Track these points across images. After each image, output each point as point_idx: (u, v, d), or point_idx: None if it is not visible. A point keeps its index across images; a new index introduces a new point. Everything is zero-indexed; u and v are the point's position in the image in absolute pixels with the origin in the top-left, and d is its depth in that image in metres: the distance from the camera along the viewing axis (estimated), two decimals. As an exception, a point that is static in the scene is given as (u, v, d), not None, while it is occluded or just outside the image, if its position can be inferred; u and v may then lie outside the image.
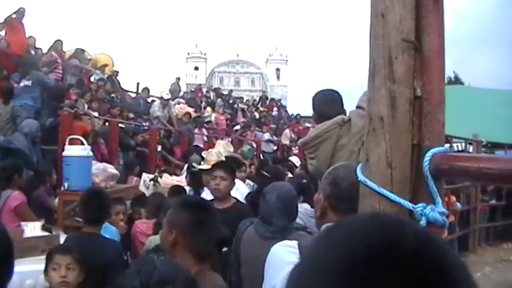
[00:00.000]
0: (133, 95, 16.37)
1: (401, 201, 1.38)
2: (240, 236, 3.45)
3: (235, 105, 22.64)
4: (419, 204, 1.35)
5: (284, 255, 1.90)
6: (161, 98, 13.87)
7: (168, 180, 6.92)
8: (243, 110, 22.46)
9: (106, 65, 15.57)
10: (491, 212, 13.06)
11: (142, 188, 6.87)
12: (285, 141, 19.12)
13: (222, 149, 5.89)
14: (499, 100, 16.34)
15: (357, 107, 3.21)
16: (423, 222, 1.33)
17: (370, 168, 1.45)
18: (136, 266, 1.89)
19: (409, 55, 1.41)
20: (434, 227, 1.34)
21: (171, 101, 14.36)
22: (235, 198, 4.54)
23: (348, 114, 3.34)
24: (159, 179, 7.07)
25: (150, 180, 7.02)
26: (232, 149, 6.63)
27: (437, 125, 1.41)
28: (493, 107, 15.28)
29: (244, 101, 27.16)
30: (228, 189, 4.40)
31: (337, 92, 3.68)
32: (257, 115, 23.11)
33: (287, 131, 20.12)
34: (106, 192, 4.42)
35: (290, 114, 28.45)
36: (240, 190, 5.30)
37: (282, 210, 3.28)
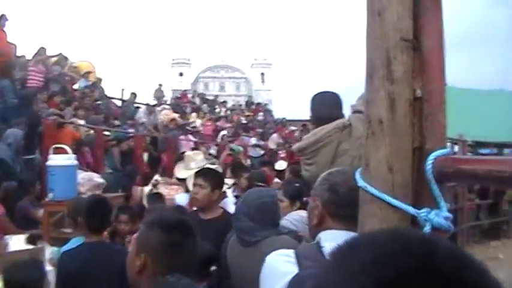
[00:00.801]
0: (119, 102, 16.28)
1: (405, 206, 1.32)
2: (225, 246, 3.39)
3: (221, 111, 22.61)
4: (423, 210, 1.30)
5: (281, 266, 1.83)
6: (147, 104, 13.80)
7: (168, 190, 6.72)
8: (228, 115, 22.43)
9: (90, 72, 15.46)
10: (477, 211, 13.18)
11: (144, 201, 6.66)
12: (272, 145, 19.07)
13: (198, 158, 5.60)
14: (482, 99, 16.48)
15: (355, 111, 3.14)
16: (428, 227, 1.28)
17: (371, 173, 1.39)
18: None
19: (408, 55, 1.36)
20: (440, 232, 1.29)
21: (157, 108, 14.31)
22: (223, 209, 4.25)
23: (346, 118, 3.24)
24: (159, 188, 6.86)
25: (150, 190, 6.83)
26: (201, 157, 6.21)
27: (438, 126, 1.35)
28: (477, 106, 15.39)
29: (230, 105, 27.13)
30: (208, 198, 4.04)
31: (336, 94, 3.54)
32: (243, 120, 23.06)
33: (275, 135, 20.07)
34: (109, 200, 4.33)
35: (276, 118, 28.45)
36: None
37: (261, 218, 3.19)
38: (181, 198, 5.59)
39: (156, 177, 7.24)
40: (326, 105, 3.40)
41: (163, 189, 6.67)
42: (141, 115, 13.66)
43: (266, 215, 3.25)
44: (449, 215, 1.30)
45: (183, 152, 10.73)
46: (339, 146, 3.08)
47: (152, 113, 13.87)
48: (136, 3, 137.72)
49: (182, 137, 14.05)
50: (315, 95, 3.53)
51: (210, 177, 4.11)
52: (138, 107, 14.91)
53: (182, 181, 5.74)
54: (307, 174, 3.23)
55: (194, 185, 4.18)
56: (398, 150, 1.36)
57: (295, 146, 3.42)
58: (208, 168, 4.97)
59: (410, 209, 1.32)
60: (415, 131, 1.37)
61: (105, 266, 3.43)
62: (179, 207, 4.53)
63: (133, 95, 15.54)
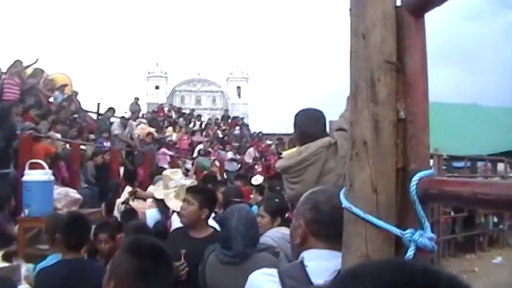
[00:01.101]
0: (95, 116, 16.14)
1: (389, 227, 1.33)
2: (204, 264, 3.36)
3: (197, 125, 22.56)
4: (408, 230, 1.31)
5: (265, 285, 1.82)
6: (122, 117, 13.72)
7: (140, 204, 6.66)
8: (204, 129, 22.39)
9: (66, 85, 15.30)
10: (453, 224, 13.29)
11: (115, 212, 6.63)
12: (249, 160, 19.09)
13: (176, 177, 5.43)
14: (457, 114, 16.73)
15: (339, 129, 3.14)
16: (412, 248, 1.29)
17: (355, 194, 1.40)
18: None
19: (391, 77, 1.38)
20: (424, 253, 1.30)
21: (132, 121, 14.20)
22: (213, 227, 4.08)
23: (330, 136, 3.23)
24: (131, 202, 6.78)
25: (122, 204, 6.77)
26: (179, 175, 5.82)
27: (422, 147, 1.37)
28: (451, 120, 15.59)
29: (206, 119, 27.10)
30: (195, 215, 3.92)
31: (321, 112, 3.51)
32: (220, 134, 23.04)
33: (251, 149, 20.11)
34: (87, 216, 4.27)
35: (252, 133, 28.48)
36: None
37: (243, 235, 3.19)
38: (152, 214, 5.54)
39: (126, 192, 7.11)
40: (310, 123, 3.38)
41: (135, 203, 6.63)
42: (115, 127, 13.54)
43: (252, 232, 3.25)
44: (434, 235, 1.31)
45: (161, 168, 10.68)
46: (325, 164, 3.08)
47: (126, 125, 13.77)
48: (111, 15, 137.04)
49: (160, 151, 13.99)
50: (299, 112, 3.51)
51: (199, 195, 4.00)
52: (111, 123, 14.76)
53: (160, 201, 5.66)
54: (292, 192, 3.20)
55: (183, 200, 4.09)
56: (382, 171, 1.37)
57: (280, 165, 3.38)
58: (200, 185, 4.89)
59: (395, 230, 1.33)
60: (398, 152, 1.38)
61: (83, 284, 3.37)
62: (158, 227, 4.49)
63: (112, 109, 15.38)
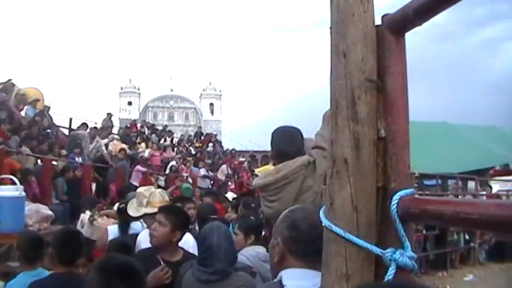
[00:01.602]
0: (66, 131, 15.95)
1: (370, 246, 1.33)
2: (180, 281, 3.31)
3: (168, 141, 22.43)
4: (388, 250, 1.30)
5: None
6: (94, 127, 13.61)
7: (105, 220, 6.56)
8: (177, 145, 22.27)
9: (38, 100, 15.11)
10: (425, 241, 13.36)
11: (78, 226, 6.54)
12: (221, 176, 19.03)
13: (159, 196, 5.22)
14: (427, 132, 16.91)
15: (316, 147, 3.13)
16: (393, 267, 1.28)
17: (335, 213, 1.39)
18: None
19: (372, 95, 1.38)
20: (404, 272, 1.29)
21: (98, 137, 14.03)
22: (183, 249, 3.91)
23: (308, 154, 3.22)
24: (96, 217, 6.66)
25: (89, 219, 6.65)
26: (167, 199, 5.31)
27: (403, 166, 1.37)
28: (421, 138, 15.77)
29: (179, 136, 26.97)
30: (166, 237, 3.70)
31: (298, 129, 3.48)
32: (192, 150, 22.95)
33: (224, 166, 20.06)
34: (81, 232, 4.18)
35: (225, 149, 28.44)
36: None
37: (225, 252, 3.18)
38: (113, 230, 5.44)
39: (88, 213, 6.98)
40: (286, 141, 3.35)
41: (99, 219, 6.54)
42: (83, 140, 13.40)
43: (232, 250, 3.23)
44: (414, 254, 1.31)
45: (134, 185, 10.53)
46: (303, 182, 3.06)
47: (94, 138, 13.64)
48: (85, 30, 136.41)
49: (136, 167, 13.86)
50: (275, 130, 3.48)
51: (173, 216, 3.77)
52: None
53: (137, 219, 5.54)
54: (269, 211, 3.16)
55: (156, 220, 3.84)
56: (363, 189, 1.37)
57: (257, 182, 3.33)
58: (174, 206, 4.73)
59: (375, 249, 1.33)
60: (379, 171, 1.38)
61: None
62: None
63: (85, 125, 15.21)
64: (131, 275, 2.12)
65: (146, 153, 17.09)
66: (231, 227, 4.40)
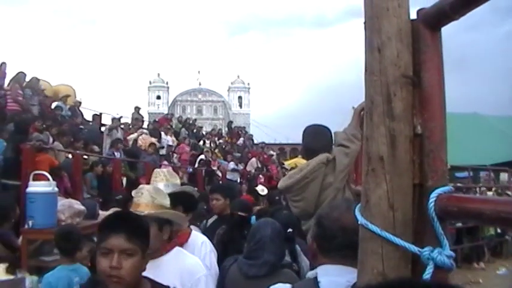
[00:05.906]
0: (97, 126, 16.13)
1: (407, 245, 1.30)
2: (224, 275, 3.34)
3: (200, 135, 22.52)
4: (426, 248, 1.28)
5: None
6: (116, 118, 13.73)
7: None
8: (206, 139, 22.34)
9: (68, 96, 15.32)
10: (457, 235, 13.20)
11: None
12: (251, 170, 19.08)
13: (163, 182, 4.33)
14: (457, 124, 16.66)
15: (339, 145, 3.19)
16: (431, 266, 1.26)
17: (371, 211, 1.37)
18: None
19: (407, 91, 1.35)
20: (442, 271, 1.27)
21: (115, 130, 14.02)
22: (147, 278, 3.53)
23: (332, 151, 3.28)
24: None
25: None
26: (178, 180, 4.38)
27: (440, 163, 1.34)
28: (452, 130, 15.54)
29: (209, 129, 27.04)
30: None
31: (327, 128, 3.58)
32: (223, 144, 23.01)
33: (253, 160, 20.08)
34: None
35: (254, 142, 28.45)
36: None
37: (277, 246, 3.24)
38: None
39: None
40: (314, 139, 3.45)
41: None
42: (104, 133, 13.55)
43: (283, 247, 3.25)
44: (452, 253, 1.28)
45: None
46: (324, 179, 3.14)
47: (112, 130, 13.72)
48: (114, 26, 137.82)
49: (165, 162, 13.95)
50: (307, 128, 3.57)
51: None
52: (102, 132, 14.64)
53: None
54: (297, 210, 3.26)
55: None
56: (399, 187, 1.34)
57: (281, 185, 3.41)
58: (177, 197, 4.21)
59: (413, 248, 1.30)
60: (415, 168, 1.36)
61: None
62: None
63: (118, 119, 15.31)
64: None
65: (175, 148, 17.18)
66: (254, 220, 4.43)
